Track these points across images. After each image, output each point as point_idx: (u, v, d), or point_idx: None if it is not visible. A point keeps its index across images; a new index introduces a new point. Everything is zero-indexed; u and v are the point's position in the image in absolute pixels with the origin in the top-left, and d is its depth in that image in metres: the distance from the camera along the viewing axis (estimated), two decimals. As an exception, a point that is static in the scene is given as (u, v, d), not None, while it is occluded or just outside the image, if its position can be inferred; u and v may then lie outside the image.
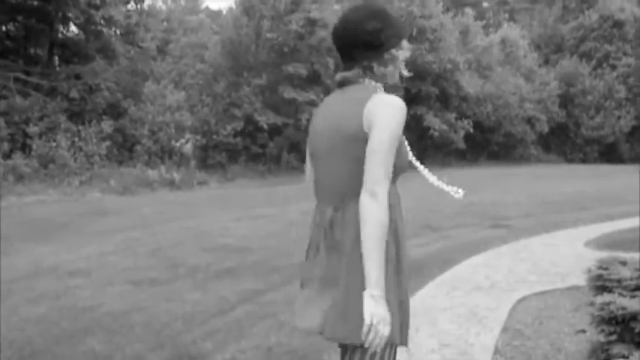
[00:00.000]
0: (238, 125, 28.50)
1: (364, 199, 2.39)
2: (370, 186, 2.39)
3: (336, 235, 2.58)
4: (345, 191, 2.56)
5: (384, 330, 2.35)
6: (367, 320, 2.32)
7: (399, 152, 2.55)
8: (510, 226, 12.62)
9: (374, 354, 2.49)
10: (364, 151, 2.45)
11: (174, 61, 39.40)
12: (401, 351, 2.79)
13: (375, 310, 2.33)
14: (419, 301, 6.85)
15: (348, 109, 2.55)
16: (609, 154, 41.97)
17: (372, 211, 2.37)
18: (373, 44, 2.61)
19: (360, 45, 2.61)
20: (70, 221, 13.67)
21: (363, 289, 2.38)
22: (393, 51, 2.66)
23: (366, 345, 2.35)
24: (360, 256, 2.41)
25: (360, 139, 2.48)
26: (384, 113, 2.46)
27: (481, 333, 5.79)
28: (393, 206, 2.56)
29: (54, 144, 22.67)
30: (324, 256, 2.62)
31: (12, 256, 9.81)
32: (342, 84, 2.68)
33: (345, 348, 2.61)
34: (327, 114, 2.66)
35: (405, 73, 2.74)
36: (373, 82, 2.64)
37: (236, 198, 18.68)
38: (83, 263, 9.23)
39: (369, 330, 2.33)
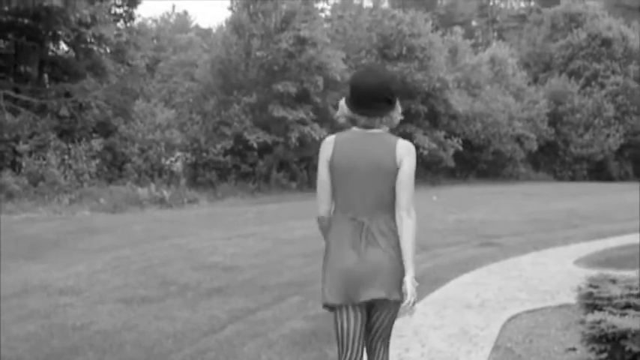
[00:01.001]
0: (228, 144, 28.43)
1: (405, 216, 3.54)
2: (408, 207, 3.55)
3: (374, 236, 3.59)
4: (378, 207, 3.61)
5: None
6: (413, 298, 3.46)
7: None
8: (500, 244, 12.65)
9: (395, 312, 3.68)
10: (395, 180, 3.58)
11: (164, 79, 39.40)
12: None
13: (415, 290, 3.48)
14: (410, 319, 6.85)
15: (384, 149, 3.61)
16: (598, 172, 42.12)
17: (411, 225, 3.55)
18: (391, 101, 3.68)
19: (387, 100, 3.65)
20: (60, 239, 13.63)
21: (400, 270, 3.54)
22: (398, 105, 3.73)
23: (412, 311, 3.51)
24: (395, 251, 3.56)
25: (394, 172, 3.58)
26: (410, 155, 3.61)
27: (472, 352, 5.81)
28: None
29: (44, 162, 22.55)
30: (368, 251, 3.60)
31: (2, 274, 9.76)
32: (367, 126, 3.66)
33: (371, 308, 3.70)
34: (365, 151, 3.63)
35: (401, 118, 3.80)
36: (384, 126, 3.69)
37: (226, 216, 18.64)
38: (73, 281, 9.20)
39: (414, 302, 3.48)
